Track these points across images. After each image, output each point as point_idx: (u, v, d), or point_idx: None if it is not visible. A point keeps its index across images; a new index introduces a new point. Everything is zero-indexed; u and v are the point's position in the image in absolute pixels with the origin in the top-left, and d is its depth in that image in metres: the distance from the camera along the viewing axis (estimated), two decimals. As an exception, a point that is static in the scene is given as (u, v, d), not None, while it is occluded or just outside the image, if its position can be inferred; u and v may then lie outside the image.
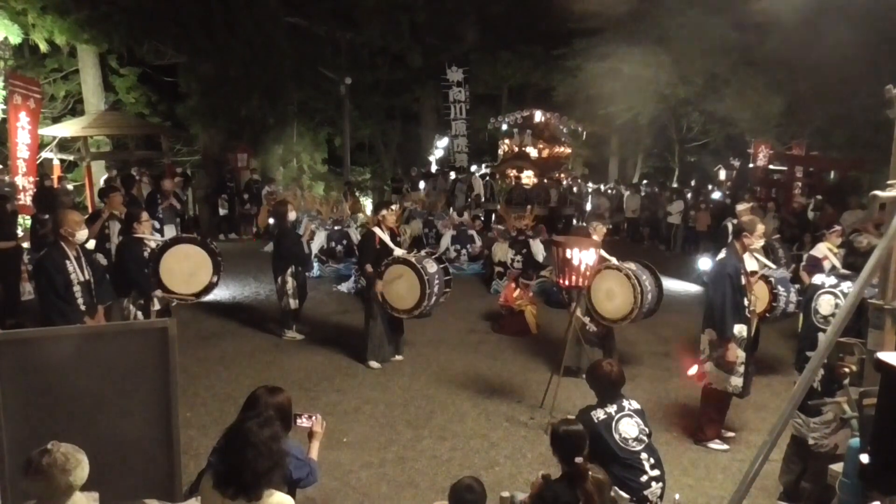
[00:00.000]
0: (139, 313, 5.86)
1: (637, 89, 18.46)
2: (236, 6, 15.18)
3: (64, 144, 14.51)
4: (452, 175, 18.59)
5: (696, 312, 7.81)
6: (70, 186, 13.09)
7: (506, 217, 11.85)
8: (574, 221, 16.18)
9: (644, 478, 3.69)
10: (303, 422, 3.21)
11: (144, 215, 6.25)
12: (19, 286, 7.80)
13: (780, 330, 7.78)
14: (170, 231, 10.23)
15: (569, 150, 22.13)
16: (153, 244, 6.11)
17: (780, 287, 6.50)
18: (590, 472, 3.15)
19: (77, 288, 4.89)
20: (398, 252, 6.82)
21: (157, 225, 10.00)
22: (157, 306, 6.00)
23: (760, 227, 5.38)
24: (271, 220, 10.87)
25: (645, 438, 3.80)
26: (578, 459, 3.12)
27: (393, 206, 8.07)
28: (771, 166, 18.65)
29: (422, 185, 18.00)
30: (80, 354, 2.59)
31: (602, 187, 20.59)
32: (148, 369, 2.66)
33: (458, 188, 16.85)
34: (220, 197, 14.65)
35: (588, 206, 17.55)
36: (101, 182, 12.84)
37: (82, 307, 4.91)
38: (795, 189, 17.26)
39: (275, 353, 7.26)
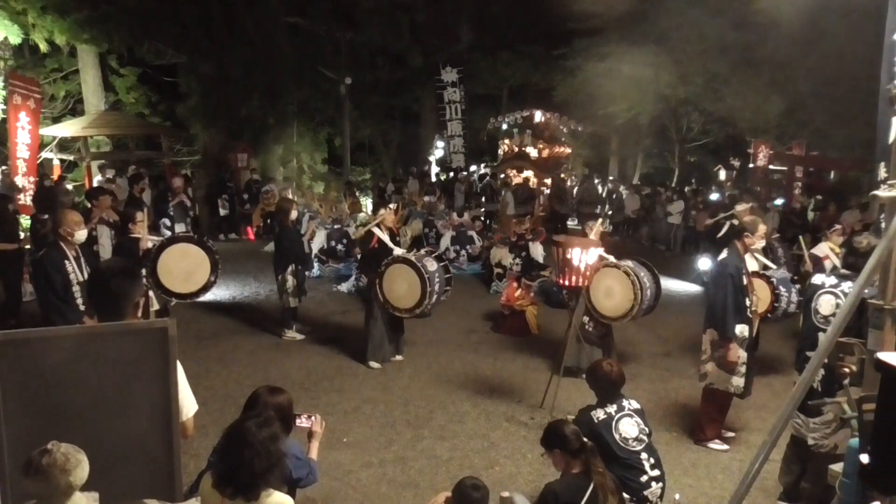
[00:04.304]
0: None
1: (637, 89, 18.47)
2: (236, 6, 15.17)
3: (64, 144, 14.53)
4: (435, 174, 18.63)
5: (695, 312, 7.83)
6: (70, 186, 13.09)
7: (506, 223, 11.87)
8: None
9: (644, 478, 3.70)
10: (302, 422, 3.21)
11: (139, 215, 6.22)
12: (21, 287, 7.81)
13: (781, 330, 7.78)
14: (181, 230, 10.19)
15: (569, 150, 22.11)
16: (150, 244, 6.10)
17: (781, 287, 6.50)
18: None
19: (76, 288, 4.87)
20: (398, 251, 6.82)
21: (168, 223, 9.98)
22: (155, 306, 6.00)
23: (762, 228, 5.39)
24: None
25: (645, 438, 3.80)
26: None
27: (391, 206, 8.09)
28: (771, 166, 18.65)
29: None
30: (79, 354, 2.57)
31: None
32: (148, 369, 2.65)
33: (456, 188, 16.84)
34: (221, 197, 14.62)
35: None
36: (96, 183, 12.84)
37: (81, 307, 4.88)
38: (795, 189, 17.28)
39: (275, 353, 7.26)
